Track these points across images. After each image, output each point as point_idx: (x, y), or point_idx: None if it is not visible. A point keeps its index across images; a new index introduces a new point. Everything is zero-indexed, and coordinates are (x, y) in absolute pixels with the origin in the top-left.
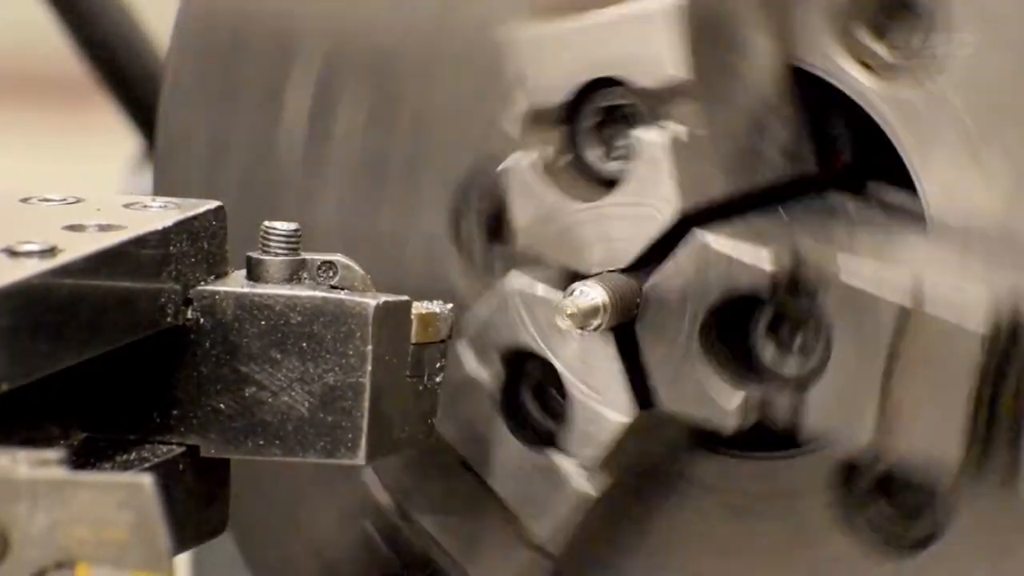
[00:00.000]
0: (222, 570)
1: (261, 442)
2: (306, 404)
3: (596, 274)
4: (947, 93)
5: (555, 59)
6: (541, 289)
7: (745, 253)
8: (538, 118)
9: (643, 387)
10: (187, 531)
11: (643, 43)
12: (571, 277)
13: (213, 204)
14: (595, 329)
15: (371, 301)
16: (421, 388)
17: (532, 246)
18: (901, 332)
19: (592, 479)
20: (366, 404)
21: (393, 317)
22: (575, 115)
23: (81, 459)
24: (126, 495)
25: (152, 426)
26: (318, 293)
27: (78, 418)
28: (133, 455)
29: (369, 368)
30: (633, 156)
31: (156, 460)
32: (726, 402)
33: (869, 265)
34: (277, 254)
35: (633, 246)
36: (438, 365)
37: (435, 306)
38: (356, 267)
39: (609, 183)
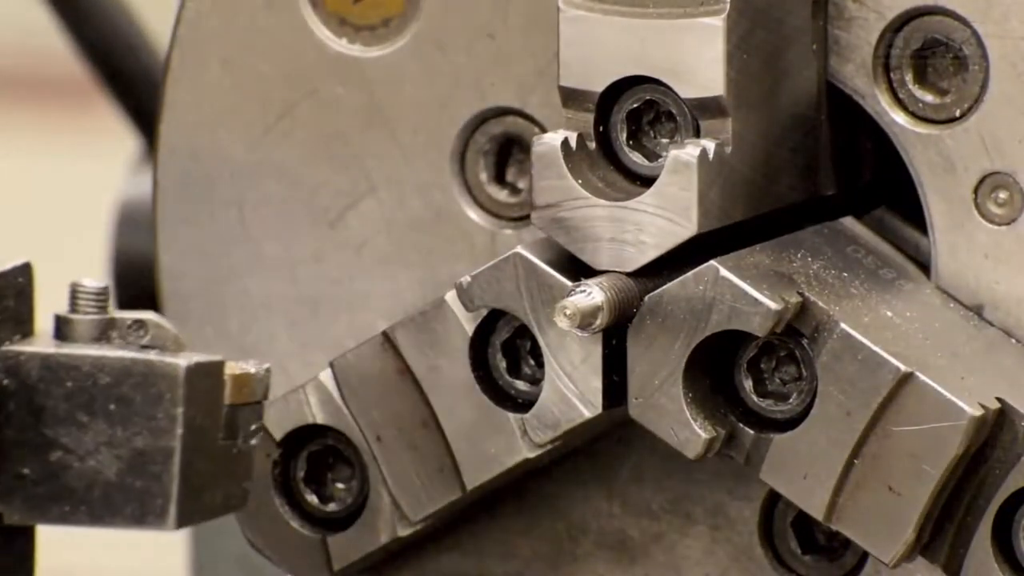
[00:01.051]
0: (222, 570)
1: (67, 508)
2: (114, 469)
3: (600, 272)
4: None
5: (601, 46)
6: (547, 271)
7: (756, 292)
8: (572, 99)
9: (617, 384)
10: None
11: (688, 53)
12: (578, 263)
13: (20, 262)
14: (593, 330)
15: (182, 362)
16: (235, 451)
17: (546, 229)
18: (892, 396)
19: (534, 449)
20: (176, 469)
21: (205, 378)
22: (611, 105)
23: None
24: None
25: None
26: (127, 353)
27: None
28: None
29: (179, 431)
30: (663, 166)
31: None
32: (692, 435)
33: (875, 321)
34: (86, 313)
35: (644, 254)
36: (253, 427)
37: (250, 366)
38: (168, 326)
39: (634, 176)
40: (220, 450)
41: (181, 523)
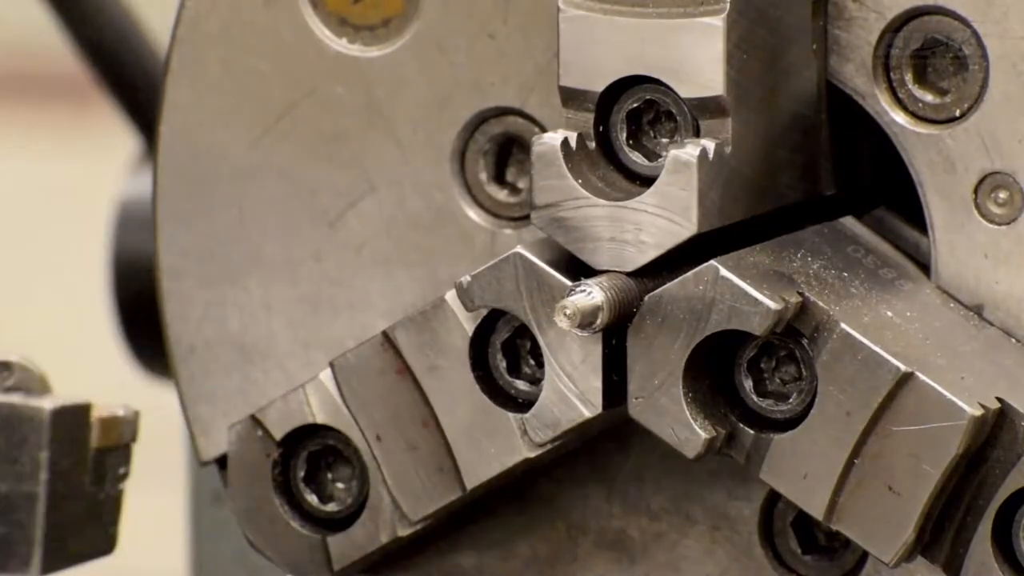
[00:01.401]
0: (222, 570)
1: None
2: None
3: (600, 272)
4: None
5: (601, 46)
6: (547, 270)
7: (756, 291)
8: (572, 98)
9: (617, 384)
10: None
11: (688, 52)
12: (578, 263)
13: None
14: (593, 330)
15: (47, 405)
16: (102, 496)
17: (546, 229)
18: (892, 396)
19: (534, 449)
20: (40, 515)
21: (72, 421)
22: (611, 105)
23: None
24: None
25: None
26: None
27: None
28: None
29: (44, 476)
30: (663, 165)
31: None
32: (692, 435)
33: (875, 321)
34: None
35: (644, 254)
36: (121, 471)
37: (119, 409)
38: (33, 368)
39: (634, 176)
40: (87, 495)
41: (46, 570)
